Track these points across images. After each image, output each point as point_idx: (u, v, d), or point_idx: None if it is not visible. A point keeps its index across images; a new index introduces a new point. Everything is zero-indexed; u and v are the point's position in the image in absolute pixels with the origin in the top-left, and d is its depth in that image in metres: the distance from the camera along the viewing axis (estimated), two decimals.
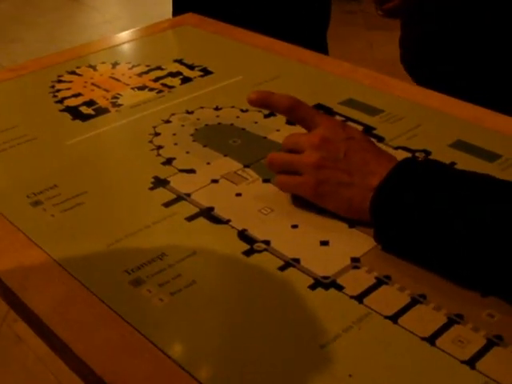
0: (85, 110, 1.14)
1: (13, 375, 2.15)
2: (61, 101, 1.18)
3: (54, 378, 2.09)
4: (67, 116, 1.13)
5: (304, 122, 0.89)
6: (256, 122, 1.07)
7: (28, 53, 4.35)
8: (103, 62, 1.32)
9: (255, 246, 0.81)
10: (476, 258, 0.71)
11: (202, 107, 1.13)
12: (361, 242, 0.81)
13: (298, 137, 0.88)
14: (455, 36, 1.36)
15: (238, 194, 0.91)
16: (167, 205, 0.89)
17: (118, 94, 1.19)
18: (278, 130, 1.04)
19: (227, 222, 0.85)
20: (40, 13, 5.06)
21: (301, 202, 0.88)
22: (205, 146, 1.02)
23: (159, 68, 1.28)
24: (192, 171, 0.96)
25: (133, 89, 1.21)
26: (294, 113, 0.90)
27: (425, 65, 1.38)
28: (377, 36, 4.02)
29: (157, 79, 1.24)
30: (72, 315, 0.74)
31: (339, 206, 0.84)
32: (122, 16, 4.99)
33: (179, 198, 0.90)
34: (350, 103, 1.11)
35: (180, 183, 0.93)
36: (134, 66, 1.30)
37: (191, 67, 1.28)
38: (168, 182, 0.94)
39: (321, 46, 1.79)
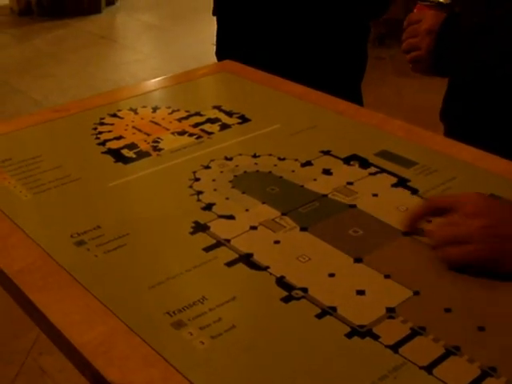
0: (126, 152, 1.18)
1: None
2: (103, 143, 1.22)
3: None
4: (109, 158, 1.17)
5: (445, 208, 0.92)
6: (293, 171, 1.10)
7: (60, 88, 4.43)
8: (144, 106, 1.36)
9: (293, 293, 0.83)
10: None
11: (240, 154, 1.16)
12: (396, 293, 0.83)
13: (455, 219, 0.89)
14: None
15: (276, 242, 0.93)
16: (207, 249, 0.92)
17: (159, 139, 1.22)
18: (314, 180, 1.07)
19: (266, 268, 0.88)
20: (72, 49, 5.15)
21: (338, 251, 0.90)
22: (243, 192, 1.05)
23: (198, 114, 1.32)
24: (231, 217, 0.99)
25: (173, 133, 1.24)
26: (434, 208, 0.94)
27: (467, 128, 1.40)
28: (406, 83, 4.06)
29: (196, 125, 1.27)
30: (115, 354, 0.76)
31: None
32: (154, 55, 5.06)
33: (219, 243, 0.93)
34: (385, 155, 1.14)
35: (220, 229, 0.96)
36: (173, 111, 1.33)
37: (229, 114, 1.31)
38: (208, 228, 0.96)
39: (356, 96, 1.82)
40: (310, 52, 1.76)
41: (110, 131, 1.26)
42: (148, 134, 1.24)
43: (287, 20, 1.75)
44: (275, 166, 1.12)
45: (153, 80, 1.53)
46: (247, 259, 0.90)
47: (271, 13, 1.75)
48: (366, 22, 1.87)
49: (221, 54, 1.89)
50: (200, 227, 0.97)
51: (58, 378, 2.23)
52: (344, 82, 1.80)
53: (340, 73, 1.81)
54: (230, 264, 0.89)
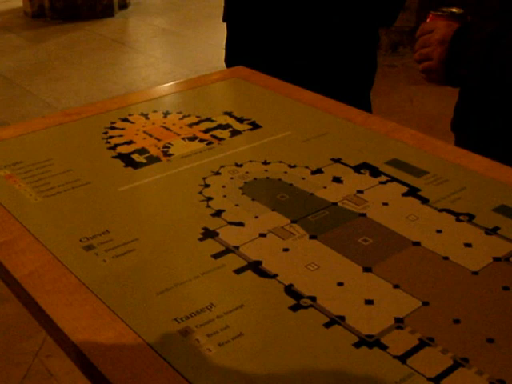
0: (137, 157, 1.18)
1: None
2: (113, 147, 1.22)
3: None
4: (119, 163, 1.17)
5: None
6: (303, 178, 1.10)
7: (72, 91, 4.44)
8: (155, 111, 1.36)
9: (301, 301, 0.83)
10: None
11: (250, 161, 1.16)
12: (405, 303, 0.83)
13: None
14: None
15: (286, 249, 0.93)
16: (216, 256, 0.92)
17: (169, 144, 1.22)
18: (324, 187, 1.07)
19: (274, 276, 0.88)
20: (84, 53, 5.17)
21: (347, 260, 0.90)
22: (253, 199, 1.05)
23: (209, 119, 1.32)
24: (240, 224, 0.99)
25: (183, 139, 1.24)
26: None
27: (478, 138, 1.40)
28: (417, 91, 4.05)
29: (207, 131, 1.27)
30: (122, 359, 0.76)
31: None
32: (165, 59, 5.08)
33: (228, 250, 0.93)
34: (396, 163, 1.14)
35: (229, 235, 0.96)
36: (184, 117, 1.33)
37: (240, 120, 1.31)
38: (217, 234, 0.96)
39: (364, 104, 1.82)
40: (318, 59, 1.76)
41: (120, 135, 1.27)
42: (158, 139, 1.24)
43: (296, 27, 1.75)
44: (285, 173, 1.12)
45: (164, 85, 1.53)
46: (256, 267, 0.90)
47: (281, 21, 1.75)
48: (374, 30, 1.87)
49: (230, 60, 1.89)
50: (209, 233, 0.97)
51: (64, 380, 2.24)
52: (352, 90, 1.80)
53: (348, 80, 1.81)
54: (238, 271, 0.89)
